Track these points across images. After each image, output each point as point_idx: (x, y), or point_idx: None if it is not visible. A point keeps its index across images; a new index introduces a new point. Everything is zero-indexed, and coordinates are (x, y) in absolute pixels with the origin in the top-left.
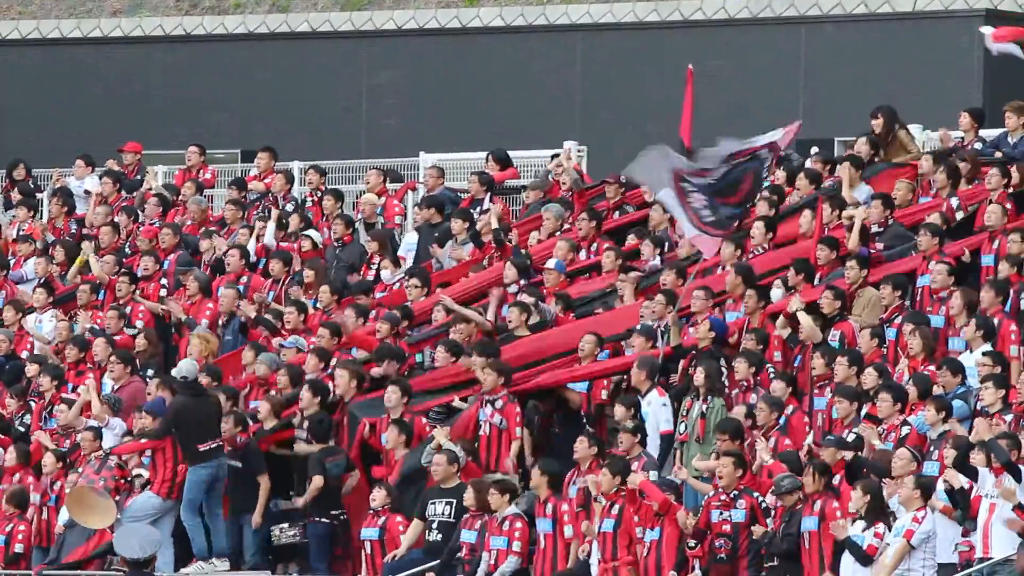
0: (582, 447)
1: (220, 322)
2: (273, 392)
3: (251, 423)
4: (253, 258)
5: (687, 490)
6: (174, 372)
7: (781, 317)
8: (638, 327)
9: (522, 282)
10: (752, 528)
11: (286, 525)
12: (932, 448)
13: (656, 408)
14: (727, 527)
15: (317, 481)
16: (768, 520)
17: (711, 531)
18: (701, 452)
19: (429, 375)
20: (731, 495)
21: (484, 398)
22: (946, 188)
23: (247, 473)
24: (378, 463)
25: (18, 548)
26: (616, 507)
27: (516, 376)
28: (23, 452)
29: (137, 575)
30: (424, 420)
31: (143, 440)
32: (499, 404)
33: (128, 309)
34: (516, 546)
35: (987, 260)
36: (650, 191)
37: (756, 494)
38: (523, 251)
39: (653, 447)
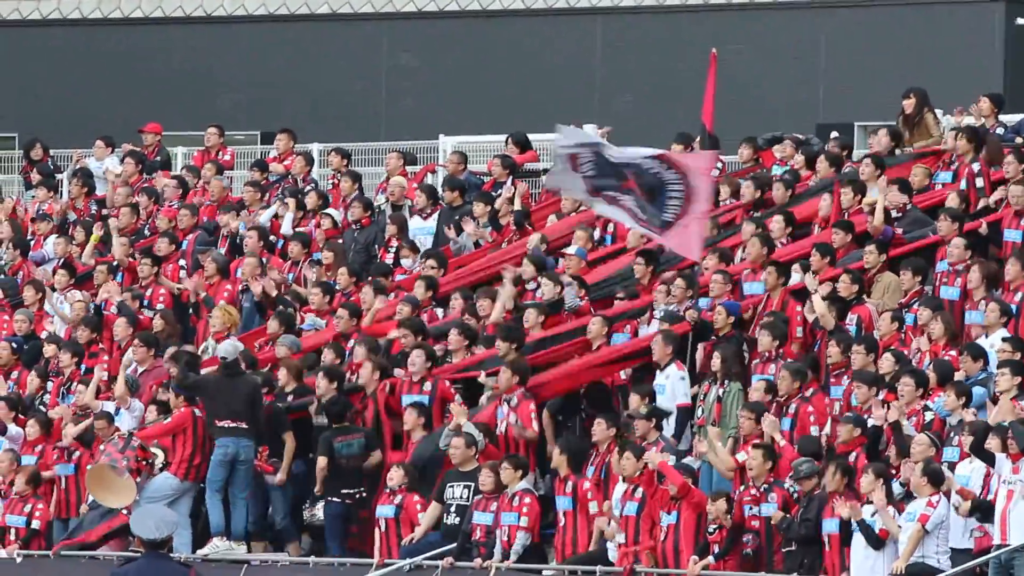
0: (600, 429)
1: (239, 298)
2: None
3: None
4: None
5: (703, 473)
6: (217, 352)
7: (808, 302)
8: (658, 313)
9: (539, 279)
10: (772, 514)
11: (308, 504)
12: (952, 434)
13: (674, 381)
14: (756, 523)
15: (321, 461)
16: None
17: (745, 523)
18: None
19: (451, 366)
20: (761, 489)
21: (501, 397)
22: (969, 153)
23: (272, 434)
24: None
25: (35, 524)
26: (639, 490)
27: (537, 378)
28: (44, 422)
29: (153, 556)
30: (452, 389)
31: (166, 422)
32: (514, 403)
33: (149, 291)
34: (524, 521)
35: (1012, 235)
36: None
37: (787, 485)
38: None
39: (671, 419)
